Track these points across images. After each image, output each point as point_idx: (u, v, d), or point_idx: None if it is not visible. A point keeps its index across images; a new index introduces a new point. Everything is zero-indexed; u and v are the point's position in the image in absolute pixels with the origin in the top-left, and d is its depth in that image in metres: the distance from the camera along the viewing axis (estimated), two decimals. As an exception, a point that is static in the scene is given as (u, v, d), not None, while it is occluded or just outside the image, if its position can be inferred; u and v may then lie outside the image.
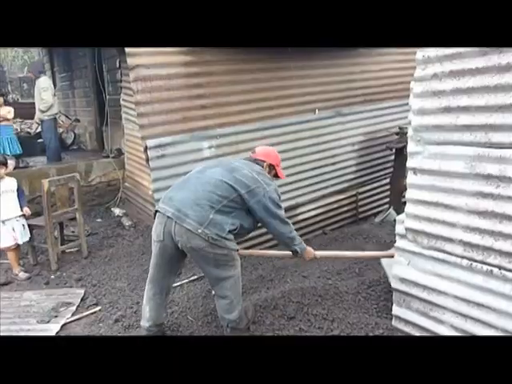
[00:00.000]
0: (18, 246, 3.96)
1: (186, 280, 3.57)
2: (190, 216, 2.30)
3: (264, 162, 2.67)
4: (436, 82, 2.15)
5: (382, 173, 5.32)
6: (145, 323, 2.56)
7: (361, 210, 5.24)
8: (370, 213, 5.33)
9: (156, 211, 2.48)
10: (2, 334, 2.90)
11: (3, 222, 3.81)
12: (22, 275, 3.89)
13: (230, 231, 2.37)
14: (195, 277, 3.61)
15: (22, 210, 3.95)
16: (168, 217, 2.35)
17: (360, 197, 5.20)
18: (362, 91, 4.83)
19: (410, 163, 2.38)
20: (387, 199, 5.29)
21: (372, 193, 5.36)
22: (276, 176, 2.76)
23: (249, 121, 3.93)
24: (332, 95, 4.53)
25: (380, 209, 5.35)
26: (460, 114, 2.09)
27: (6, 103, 6.29)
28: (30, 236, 4.06)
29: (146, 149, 3.40)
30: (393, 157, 5.04)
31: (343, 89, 4.62)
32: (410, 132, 2.36)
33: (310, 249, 2.70)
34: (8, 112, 6.12)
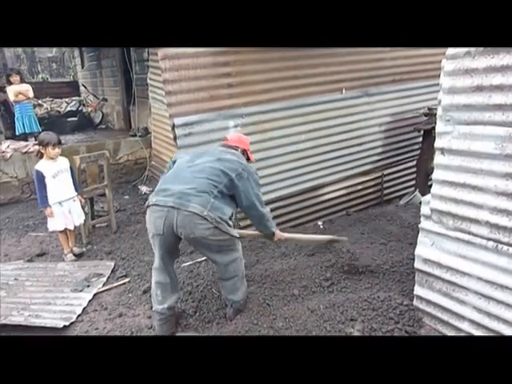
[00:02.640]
0: (72, 228, 3.90)
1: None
2: (193, 201, 2.36)
3: (238, 147, 2.85)
4: (469, 59, 2.10)
5: (408, 155, 5.23)
6: (157, 306, 2.61)
7: (386, 192, 5.20)
8: (395, 195, 5.28)
9: (149, 205, 2.46)
10: (38, 300, 3.09)
11: (60, 203, 3.79)
12: (70, 257, 3.87)
13: (227, 216, 2.49)
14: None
15: (76, 190, 3.93)
16: (169, 207, 2.36)
17: (385, 179, 5.15)
18: (391, 70, 4.72)
19: (437, 143, 2.35)
20: (413, 182, 5.21)
21: (398, 175, 5.29)
22: (248, 160, 2.90)
23: (275, 100, 3.92)
24: (359, 74, 4.45)
25: (405, 191, 5.28)
26: (492, 93, 2.03)
27: (23, 81, 6.40)
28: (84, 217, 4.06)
29: (173, 127, 3.47)
30: (420, 138, 4.94)
31: (371, 68, 4.52)
32: (439, 111, 2.32)
33: (278, 231, 2.92)
34: (27, 90, 6.24)
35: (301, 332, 2.49)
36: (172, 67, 3.33)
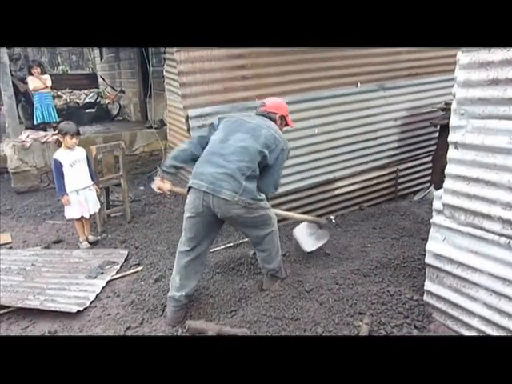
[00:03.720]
0: (88, 217, 3.98)
1: (223, 246, 3.72)
2: (225, 186, 2.43)
3: (276, 114, 2.81)
4: (484, 52, 2.06)
5: (424, 150, 5.16)
6: (174, 293, 2.63)
7: (400, 187, 5.14)
8: (409, 190, 5.22)
9: (189, 187, 2.57)
10: (54, 286, 3.18)
11: (77, 191, 3.87)
12: (85, 245, 3.96)
13: (260, 193, 2.57)
14: (231, 244, 3.75)
15: (92, 180, 4.02)
16: (204, 191, 2.46)
17: (400, 174, 5.09)
18: (408, 64, 4.64)
19: (451, 137, 2.32)
20: (428, 177, 5.15)
21: (413, 170, 5.23)
22: (286, 125, 2.93)
23: (289, 92, 3.91)
24: (375, 68, 4.39)
25: (420, 187, 5.21)
26: (508, 87, 1.99)
27: (43, 73, 6.53)
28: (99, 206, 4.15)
29: (187, 119, 3.50)
30: (437, 134, 4.87)
31: (387, 61, 4.46)
32: (453, 105, 2.29)
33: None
34: (46, 79, 6.36)
35: (309, 324, 2.51)
36: (187, 59, 3.35)
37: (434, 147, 4.95)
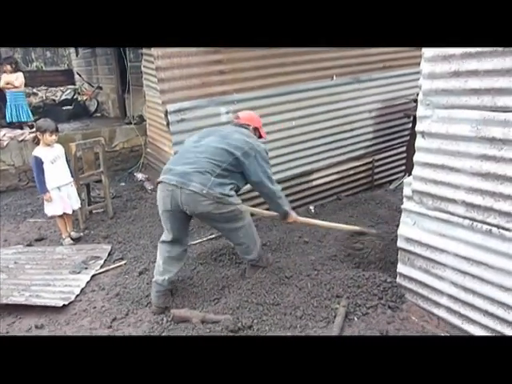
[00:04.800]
0: (70, 213, 4.01)
1: (206, 238, 3.80)
2: (194, 180, 2.51)
3: (249, 125, 2.94)
4: (447, 46, 2.19)
5: (398, 140, 5.33)
6: (158, 277, 2.76)
7: (376, 176, 5.31)
8: (385, 180, 5.40)
9: (159, 182, 2.65)
10: (38, 282, 3.20)
11: (59, 188, 3.88)
12: (67, 241, 3.96)
13: (230, 190, 2.62)
14: (213, 236, 3.84)
15: (72, 176, 4.02)
16: (173, 185, 2.53)
17: (376, 164, 5.25)
18: (381, 57, 4.78)
19: (418, 127, 2.46)
20: (403, 167, 5.32)
21: (388, 160, 5.40)
22: (260, 137, 3.02)
23: (266, 86, 4.00)
24: (350, 61, 4.51)
25: (396, 176, 5.39)
26: (468, 79, 2.13)
27: (18, 70, 6.40)
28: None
29: (166, 113, 3.55)
30: (410, 124, 5.04)
31: (361, 55, 4.59)
32: (419, 96, 2.42)
33: (293, 212, 3.01)
34: (15, 79, 6.23)
35: (289, 308, 2.62)
36: (164, 54, 3.39)
37: (408, 137, 5.12)
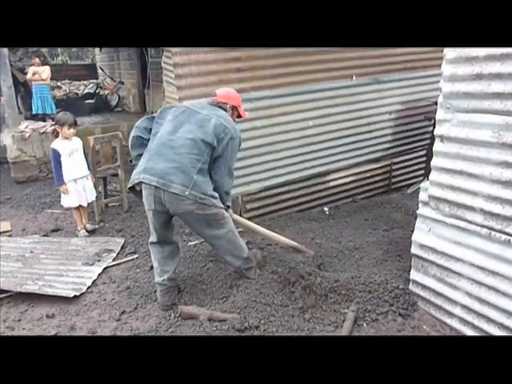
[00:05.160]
0: (85, 205, 4.06)
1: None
2: (175, 181, 2.43)
3: (227, 104, 2.78)
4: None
5: (418, 144, 5.21)
6: (158, 278, 2.76)
7: (394, 180, 5.21)
8: (403, 184, 5.29)
9: (137, 182, 2.55)
10: (52, 272, 3.26)
11: (75, 180, 3.94)
12: (82, 233, 4.03)
13: (212, 189, 2.55)
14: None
15: (89, 169, 4.09)
16: (155, 186, 2.46)
17: (394, 167, 5.15)
18: (403, 58, 4.68)
19: (437, 130, 2.39)
20: (422, 171, 5.21)
21: (407, 163, 5.29)
22: (239, 116, 2.89)
23: (284, 85, 3.96)
24: (371, 61, 4.43)
25: (414, 180, 5.28)
26: (492, 82, 2.06)
27: (45, 64, 6.59)
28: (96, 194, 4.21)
29: (182, 110, 3.55)
30: (431, 128, 4.92)
31: (383, 55, 4.49)
32: (439, 99, 2.35)
33: (231, 211, 2.88)
34: (43, 71, 6.41)
35: (296, 310, 2.59)
36: (182, 51, 3.39)
37: (428, 141, 5.00)
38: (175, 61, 3.38)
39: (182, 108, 2.72)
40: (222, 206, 2.64)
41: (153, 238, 2.75)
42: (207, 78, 3.55)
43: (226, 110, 2.75)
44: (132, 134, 2.78)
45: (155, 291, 2.93)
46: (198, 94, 3.54)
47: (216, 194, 2.59)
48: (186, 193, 2.43)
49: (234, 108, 2.83)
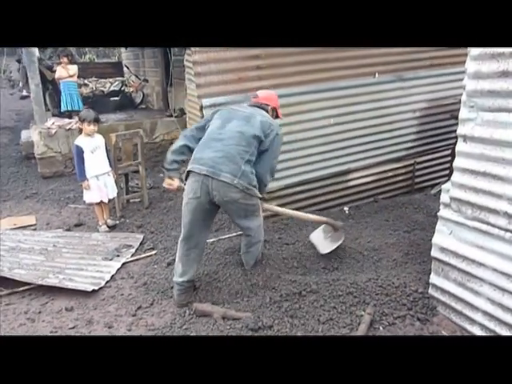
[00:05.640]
0: (106, 201, 4.14)
1: (234, 234, 3.79)
2: (225, 170, 2.52)
3: (268, 105, 2.92)
4: (496, 43, 2.02)
5: (444, 143, 5.05)
6: (177, 278, 2.76)
7: (417, 180, 5.07)
8: (426, 184, 5.14)
9: (189, 171, 2.63)
10: (72, 266, 3.34)
11: (97, 177, 4.03)
12: (103, 228, 4.11)
13: (255, 181, 2.63)
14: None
15: (110, 166, 4.17)
16: (204, 175, 2.53)
17: (418, 167, 5.01)
18: (429, 54, 4.54)
19: (460, 130, 2.30)
20: (447, 171, 5.05)
21: (432, 163, 5.13)
22: (277, 117, 3.00)
23: (304, 82, 3.90)
24: (394, 58, 4.31)
25: (439, 181, 5.12)
26: (519, 79, 1.97)
27: (73, 62, 6.79)
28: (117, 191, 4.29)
29: (201, 107, 3.56)
30: (457, 126, 4.75)
31: (407, 51, 4.36)
32: (463, 97, 2.26)
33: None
34: (71, 69, 6.59)
35: (311, 311, 2.56)
36: (202, 49, 3.40)
37: (454, 140, 4.84)
38: (194, 59, 3.39)
39: (227, 109, 2.90)
40: (260, 196, 2.73)
41: (185, 233, 2.71)
42: (226, 76, 3.54)
43: (267, 110, 2.89)
44: (179, 142, 2.87)
45: (171, 287, 2.96)
46: (217, 91, 3.54)
47: (257, 185, 2.68)
48: (235, 181, 2.52)
49: (274, 109, 2.98)
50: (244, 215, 2.71)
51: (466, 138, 2.27)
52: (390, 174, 4.79)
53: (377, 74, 4.28)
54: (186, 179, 2.70)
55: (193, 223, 2.68)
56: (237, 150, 2.58)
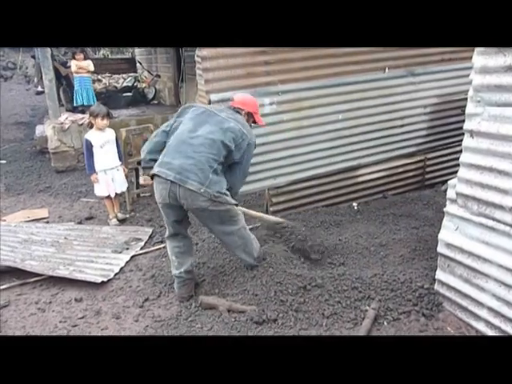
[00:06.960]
0: (113, 196, 4.19)
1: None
2: (192, 177, 2.47)
3: (243, 110, 2.82)
4: (503, 37, 2.00)
5: (455, 139, 4.96)
6: (175, 271, 2.81)
7: (428, 176, 5.01)
8: (437, 180, 5.07)
9: (154, 175, 2.58)
10: (83, 258, 3.41)
11: (105, 171, 4.09)
12: (114, 222, 4.19)
13: (226, 188, 2.59)
14: (250, 226, 3.84)
15: (120, 160, 4.23)
16: (171, 181, 2.48)
17: (428, 163, 4.95)
18: (440, 49, 4.46)
19: (466, 125, 2.28)
20: (458, 167, 4.98)
21: (443, 159, 5.06)
22: (254, 123, 2.91)
23: (313, 78, 3.89)
24: (405, 53, 4.25)
25: (449, 177, 5.04)
26: (526, 74, 1.94)
27: (87, 58, 6.94)
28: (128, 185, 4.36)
29: (209, 103, 3.58)
30: (469, 122, 4.69)
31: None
32: (469, 92, 2.24)
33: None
34: (88, 65, 6.73)
35: (316, 305, 2.57)
36: (210, 44, 3.41)
37: (466, 136, 4.77)
38: (203, 54, 3.40)
39: (201, 108, 2.79)
40: (235, 202, 2.67)
41: (168, 231, 2.81)
42: (235, 72, 3.55)
43: (241, 114, 2.83)
44: (156, 138, 2.80)
45: (175, 282, 3.00)
46: (225, 87, 3.55)
47: (228, 192, 2.64)
48: (202, 190, 2.47)
49: (250, 114, 2.89)
50: (220, 222, 2.64)
51: (472, 133, 2.26)
52: (400, 169, 4.75)
53: (387, 69, 4.24)
54: (151, 179, 2.66)
55: (173, 223, 2.74)
56: (206, 157, 2.52)
